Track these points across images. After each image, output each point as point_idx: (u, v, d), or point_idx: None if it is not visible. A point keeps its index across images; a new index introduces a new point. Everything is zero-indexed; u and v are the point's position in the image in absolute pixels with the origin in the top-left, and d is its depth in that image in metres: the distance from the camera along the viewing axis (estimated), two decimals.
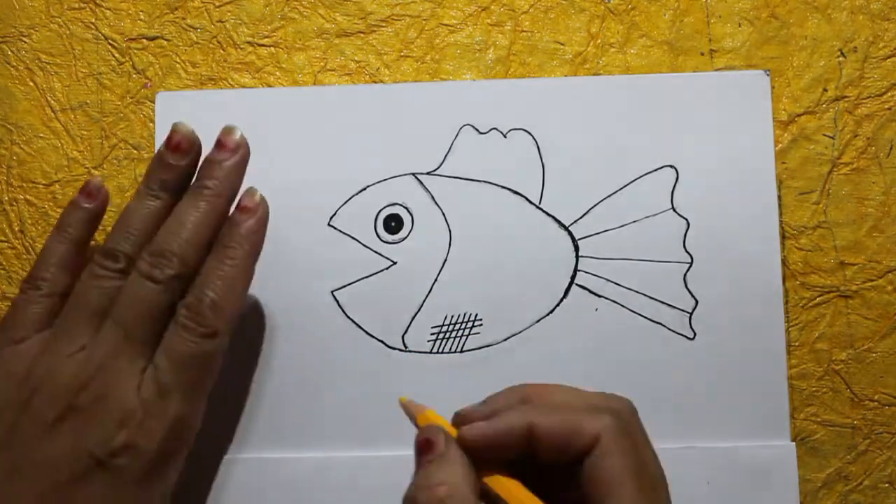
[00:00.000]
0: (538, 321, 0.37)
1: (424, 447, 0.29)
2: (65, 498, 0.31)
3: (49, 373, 0.33)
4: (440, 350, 0.37)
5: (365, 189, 0.38)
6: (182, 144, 0.35)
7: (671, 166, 0.38)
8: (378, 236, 0.38)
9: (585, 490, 0.28)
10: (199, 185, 0.35)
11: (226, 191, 0.35)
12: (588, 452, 0.28)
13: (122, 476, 0.32)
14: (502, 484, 0.29)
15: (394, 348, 0.37)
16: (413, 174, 0.38)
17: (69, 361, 0.33)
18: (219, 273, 0.34)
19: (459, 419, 0.30)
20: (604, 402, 0.30)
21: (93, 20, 0.40)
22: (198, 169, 0.35)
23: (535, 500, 0.29)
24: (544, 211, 0.38)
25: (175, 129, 0.35)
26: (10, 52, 0.39)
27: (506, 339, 0.37)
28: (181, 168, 0.35)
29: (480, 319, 0.37)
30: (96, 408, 0.32)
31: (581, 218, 0.38)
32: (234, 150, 0.35)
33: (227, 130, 0.35)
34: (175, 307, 0.34)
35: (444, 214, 0.38)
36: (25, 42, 0.40)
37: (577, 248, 0.38)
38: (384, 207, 0.38)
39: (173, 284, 0.33)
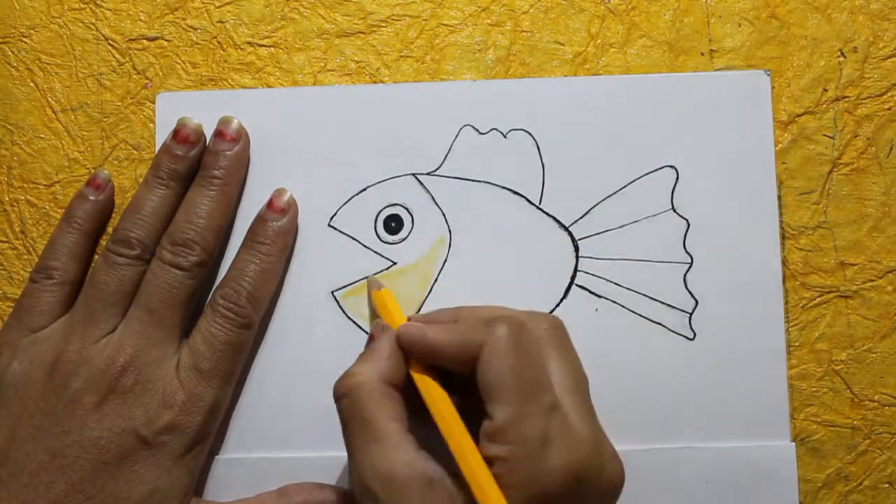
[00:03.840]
0: None
1: (368, 341, 0.34)
2: (111, 476, 0.33)
3: (82, 358, 0.34)
4: None
5: (365, 189, 0.38)
6: (190, 137, 0.37)
7: (671, 166, 0.38)
8: (378, 236, 0.38)
9: (482, 396, 0.30)
10: (206, 175, 0.37)
11: (233, 178, 0.37)
12: (476, 362, 0.30)
13: (164, 454, 0.33)
14: (421, 378, 0.32)
15: None
16: (413, 174, 0.38)
17: (101, 346, 0.34)
18: (254, 267, 0.36)
19: (408, 320, 0.34)
20: (507, 314, 0.31)
21: (93, 20, 0.40)
22: (203, 160, 0.37)
23: (442, 397, 0.31)
24: (544, 211, 0.38)
25: (183, 123, 0.37)
26: (10, 53, 0.40)
27: None
28: (189, 158, 0.37)
29: None
30: (138, 389, 0.34)
31: (581, 218, 0.38)
32: (235, 139, 0.37)
33: (225, 121, 0.37)
34: (196, 292, 0.36)
35: (444, 214, 0.38)
36: (26, 42, 0.40)
37: (577, 249, 0.38)
38: (384, 208, 0.38)
39: (197, 271, 0.35)
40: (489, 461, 0.29)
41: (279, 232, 0.36)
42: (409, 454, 0.30)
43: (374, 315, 0.37)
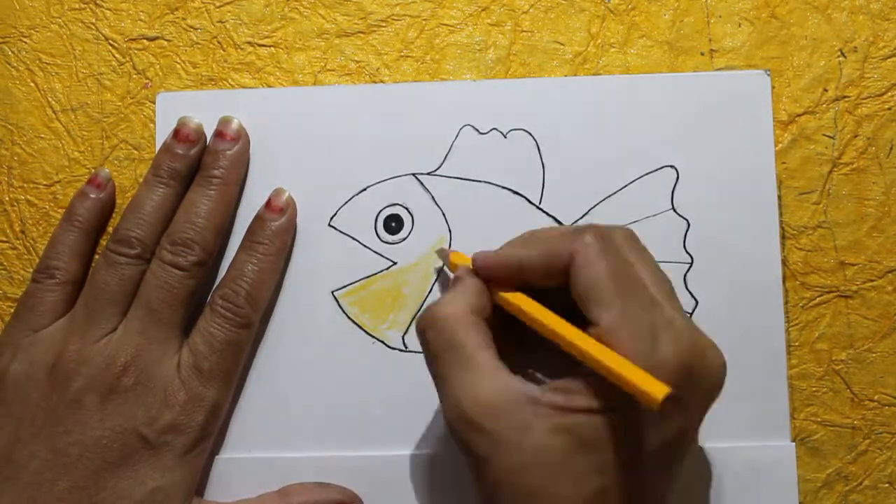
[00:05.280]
0: None
1: (452, 283, 0.33)
2: (113, 475, 0.33)
3: (83, 358, 0.34)
4: None
5: (365, 189, 0.38)
6: (191, 136, 0.37)
7: (671, 166, 0.38)
8: (378, 236, 0.38)
9: (578, 306, 0.30)
10: (206, 174, 0.37)
11: (233, 178, 0.37)
12: (568, 270, 0.30)
13: (166, 453, 0.34)
14: (510, 296, 0.32)
15: (394, 348, 0.37)
16: (413, 174, 0.38)
17: (102, 346, 0.34)
18: (252, 267, 0.36)
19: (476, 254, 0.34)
20: (586, 225, 0.31)
21: (93, 20, 0.40)
22: (203, 159, 0.37)
23: (538, 306, 0.31)
24: (544, 211, 0.38)
25: (183, 123, 0.37)
26: (10, 53, 0.40)
27: None
28: (190, 157, 0.37)
29: None
30: (140, 389, 0.34)
31: (581, 218, 0.38)
32: (235, 139, 0.37)
33: (225, 121, 0.38)
34: (196, 292, 0.36)
35: (444, 214, 0.38)
36: (26, 42, 0.40)
37: None
38: (384, 208, 0.38)
39: (196, 271, 0.35)
40: None
41: (277, 232, 0.36)
42: (505, 379, 0.29)
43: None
